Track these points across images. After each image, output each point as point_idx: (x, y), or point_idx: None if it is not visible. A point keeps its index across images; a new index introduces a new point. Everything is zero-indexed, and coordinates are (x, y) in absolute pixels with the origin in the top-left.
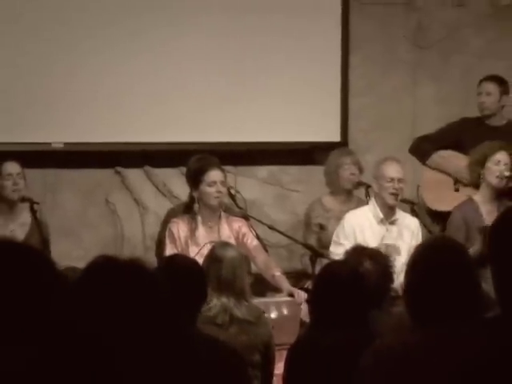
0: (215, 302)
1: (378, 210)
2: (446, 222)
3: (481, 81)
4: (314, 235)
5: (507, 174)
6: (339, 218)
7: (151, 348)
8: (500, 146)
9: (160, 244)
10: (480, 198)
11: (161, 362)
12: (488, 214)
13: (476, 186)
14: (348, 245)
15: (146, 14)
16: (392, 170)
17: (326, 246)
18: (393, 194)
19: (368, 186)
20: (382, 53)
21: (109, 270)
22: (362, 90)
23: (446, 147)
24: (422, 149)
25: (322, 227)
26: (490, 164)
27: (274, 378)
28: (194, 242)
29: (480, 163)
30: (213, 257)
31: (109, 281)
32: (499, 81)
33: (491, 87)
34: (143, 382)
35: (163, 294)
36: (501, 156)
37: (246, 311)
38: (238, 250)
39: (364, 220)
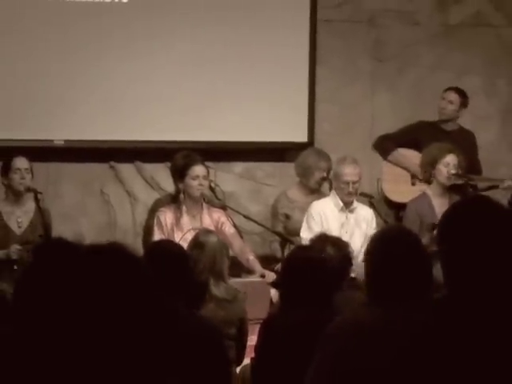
0: None
1: (338, 199)
2: (400, 213)
3: (447, 89)
4: (280, 224)
5: (453, 171)
6: (303, 209)
7: (139, 323)
8: (449, 149)
9: (148, 231)
10: (432, 192)
11: (147, 336)
12: (440, 206)
13: (429, 182)
14: (317, 230)
15: (137, 26)
16: (348, 174)
17: (292, 234)
18: (348, 194)
19: (331, 181)
20: (345, 65)
21: (96, 254)
22: (326, 98)
23: (404, 145)
24: (384, 146)
25: (287, 217)
26: (440, 166)
27: (247, 349)
28: (179, 228)
29: (431, 164)
30: (196, 242)
31: (97, 263)
32: (462, 94)
33: (454, 97)
34: (131, 352)
35: (146, 274)
36: (450, 158)
37: (223, 291)
38: (218, 236)
39: (327, 208)
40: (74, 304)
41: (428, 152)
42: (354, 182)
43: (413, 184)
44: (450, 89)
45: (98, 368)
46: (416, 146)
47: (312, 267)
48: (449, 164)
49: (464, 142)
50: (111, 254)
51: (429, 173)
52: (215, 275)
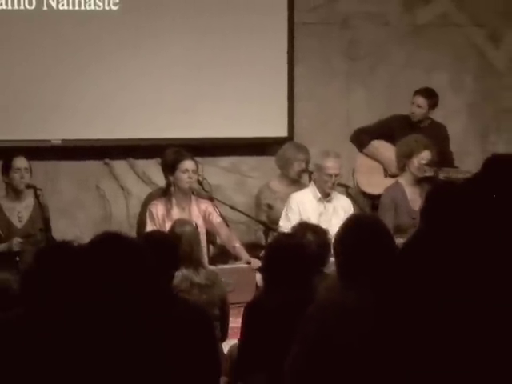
0: (177, 273)
1: (317, 191)
2: (375, 202)
3: (415, 92)
4: (263, 214)
5: (424, 162)
6: (284, 199)
7: (140, 304)
8: (425, 145)
9: (141, 223)
10: (405, 181)
11: (145, 317)
12: (411, 194)
13: (402, 170)
14: (294, 219)
15: (128, 32)
16: (331, 167)
17: (274, 222)
18: (330, 186)
19: (311, 173)
20: (321, 64)
21: (108, 242)
22: (305, 95)
23: (379, 137)
24: (360, 139)
25: (269, 207)
26: (414, 159)
27: (235, 330)
28: (170, 219)
29: (406, 156)
30: (173, 234)
31: (109, 250)
32: (430, 95)
33: (422, 101)
34: (129, 333)
35: (148, 261)
36: (424, 154)
37: (203, 277)
38: (193, 225)
39: (306, 199)
40: (79, 288)
41: (404, 144)
42: (336, 175)
43: (385, 176)
44: (417, 93)
45: (101, 349)
46: (390, 137)
47: (293, 252)
48: (423, 159)
49: (436, 136)
50: (117, 242)
51: (403, 163)
52: (194, 263)
